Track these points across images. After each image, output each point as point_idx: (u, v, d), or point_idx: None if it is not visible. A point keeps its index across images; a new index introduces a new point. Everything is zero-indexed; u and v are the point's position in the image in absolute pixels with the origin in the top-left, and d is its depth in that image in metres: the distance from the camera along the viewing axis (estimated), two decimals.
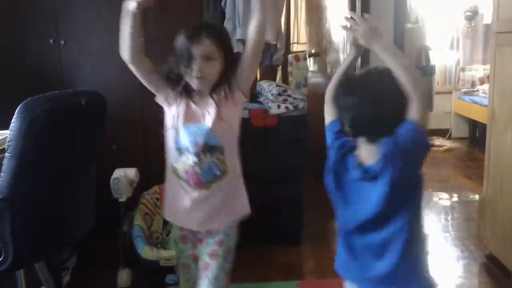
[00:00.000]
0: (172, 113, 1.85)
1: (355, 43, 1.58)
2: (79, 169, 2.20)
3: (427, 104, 1.42)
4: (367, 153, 1.46)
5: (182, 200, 1.89)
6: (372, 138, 1.44)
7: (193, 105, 1.84)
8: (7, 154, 1.82)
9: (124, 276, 2.82)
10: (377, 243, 1.47)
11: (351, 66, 1.65)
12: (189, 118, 1.82)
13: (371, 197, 1.44)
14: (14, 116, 1.77)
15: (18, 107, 1.75)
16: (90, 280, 2.92)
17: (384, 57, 1.42)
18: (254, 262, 3.09)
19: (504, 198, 2.79)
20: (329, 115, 1.67)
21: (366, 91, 1.43)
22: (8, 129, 1.84)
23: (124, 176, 2.80)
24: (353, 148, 1.52)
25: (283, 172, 3.31)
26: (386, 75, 1.41)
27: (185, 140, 1.82)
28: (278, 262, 3.13)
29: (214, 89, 1.80)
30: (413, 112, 1.35)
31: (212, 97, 1.80)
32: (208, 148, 1.82)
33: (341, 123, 1.57)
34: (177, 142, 1.84)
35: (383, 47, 1.45)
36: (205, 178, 1.83)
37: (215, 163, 1.84)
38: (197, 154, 1.81)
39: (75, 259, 3.00)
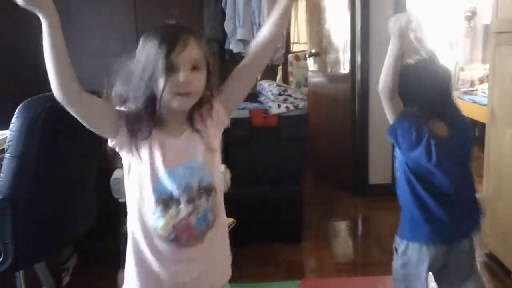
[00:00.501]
0: (141, 157, 1.35)
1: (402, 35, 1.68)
2: (80, 169, 2.20)
3: None
4: (438, 129, 1.76)
5: (162, 269, 1.40)
6: (443, 117, 1.77)
7: (169, 139, 1.38)
8: (7, 154, 1.82)
9: (124, 276, 2.82)
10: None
11: (401, 56, 1.74)
12: (172, 157, 1.37)
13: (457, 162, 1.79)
14: (14, 116, 1.78)
15: (18, 107, 1.75)
16: (90, 280, 2.91)
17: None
18: (255, 261, 3.10)
19: (504, 197, 2.80)
20: (393, 108, 1.76)
21: (433, 78, 1.78)
22: (8, 129, 1.84)
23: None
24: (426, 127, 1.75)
25: (283, 171, 3.32)
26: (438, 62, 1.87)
27: (171, 186, 1.36)
28: (279, 261, 3.14)
29: (192, 110, 1.40)
30: None
31: (192, 121, 1.40)
32: (203, 190, 1.40)
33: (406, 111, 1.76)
34: (157, 192, 1.36)
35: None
36: (200, 229, 1.41)
37: (210, 207, 1.42)
38: (191, 201, 1.38)
39: (75, 259, 3.00)
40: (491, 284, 2.82)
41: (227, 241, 1.55)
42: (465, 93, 6.47)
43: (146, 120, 1.33)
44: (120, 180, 2.76)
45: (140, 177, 1.36)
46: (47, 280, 2.36)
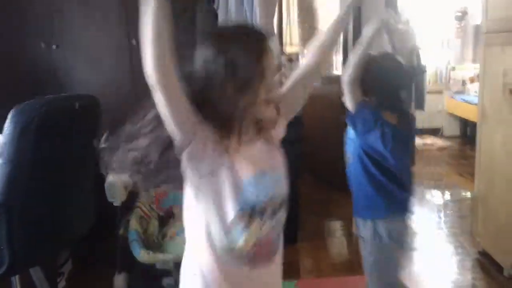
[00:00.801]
0: (221, 163, 1.20)
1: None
2: (76, 172, 2.20)
3: None
4: (390, 118, 1.92)
5: None
6: (394, 109, 1.95)
7: (247, 147, 1.25)
8: (0, 159, 1.81)
9: (120, 280, 2.81)
10: None
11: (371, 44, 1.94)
12: (256, 164, 1.26)
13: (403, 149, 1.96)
14: (8, 120, 1.76)
15: (12, 111, 1.74)
16: (85, 285, 2.91)
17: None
18: None
19: (496, 195, 2.82)
20: (353, 95, 1.95)
21: (393, 70, 1.95)
22: (0, 134, 1.83)
23: (119, 180, 2.80)
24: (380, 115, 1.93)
25: None
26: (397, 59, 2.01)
27: (256, 197, 1.23)
28: None
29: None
30: None
31: (262, 130, 1.30)
32: (283, 202, 1.34)
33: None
34: (241, 204, 1.21)
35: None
36: (276, 246, 1.34)
37: (283, 222, 1.35)
38: (274, 213, 1.29)
39: (70, 263, 2.99)
40: (484, 281, 2.84)
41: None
42: (457, 92, 6.52)
43: (241, 121, 1.20)
44: (115, 184, 2.77)
45: (216, 191, 1.20)
46: (42, 285, 2.35)
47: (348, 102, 1.96)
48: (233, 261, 1.24)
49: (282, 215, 1.31)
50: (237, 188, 1.20)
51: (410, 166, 2.07)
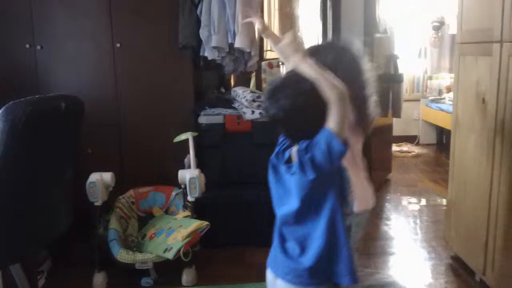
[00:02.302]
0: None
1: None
2: (57, 172, 2.22)
3: (345, 113, 1.42)
4: (294, 151, 1.53)
5: None
6: (294, 141, 1.53)
7: None
8: None
9: (99, 279, 2.84)
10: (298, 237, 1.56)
11: None
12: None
13: (291, 192, 1.52)
14: None
15: (0, 111, 1.77)
16: (65, 283, 2.92)
17: (304, 70, 1.45)
18: (228, 263, 3.15)
19: (467, 201, 2.90)
20: None
21: (287, 100, 1.45)
22: None
23: (100, 180, 2.83)
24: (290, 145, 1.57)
25: (257, 175, 3.36)
26: (304, 82, 1.44)
27: None
28: (252, 263, 3.18)
29: None
30: (333, 123, 1.38)
31: None
32: None
33: None
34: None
35: (300, 60, 1.48)
36: None
37: None
38: None
39: (50, 262, 3.01)
40: (456, 285, 2.92)
41: None
42: (433, 101, 6.65)
43: None
44: (96, 184, 2.80)
45: None
46: (23, 283, 2.37)
47: None
48: None
49: None
50: None
51: (291, 216, 1.56)
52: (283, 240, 1.63)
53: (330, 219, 1.49)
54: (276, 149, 1.61)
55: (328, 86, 1.38)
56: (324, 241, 1.49)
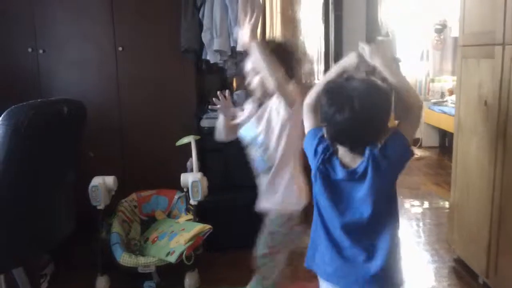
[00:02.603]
0: None
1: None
2: (59, 175, 2.23)
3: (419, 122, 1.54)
4: (349, 158, 1.53)
5: None
6: (353, 149, 1.52)
7: None
8: None
9: (102, 282, 2.84)
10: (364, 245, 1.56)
11: (342, 74, 1.62)
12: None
13: (356, 198, 1.53)
14: None
15: (2, 115, 1.77)
16: (67, 287, 2.92)
17: (386, 74, 1.49)
18: (231, 266, 3.14)
19: (470, 204, 2.89)
20: (310, 120, 1.67)
21: (353, 107, 1.42)
22: None
23: (103, 183, 2.83)
24: (335, 151, 1.57)
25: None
26: (374, 88, 1.47)
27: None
28: (254, 267, 3.18)
29: None
30: (408, 129, 1.49)
31: None
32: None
33: (322, 129, 1.59)
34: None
35: (384, 64, 1.52)
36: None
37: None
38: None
39: (53, 266, 3.01)
40: None
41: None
42: (436, 103, 6.63)
43: None
44: (98, 188, 2.80)
45: None
46: (25, 286, 2.38)
47: (306, 127, 1.69)
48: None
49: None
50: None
51: (360, 223, 1.56)
52: (339, 249, 1.58)
53: (395, 224, 1.57)
54: (319, 158, 1.57)
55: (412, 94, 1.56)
56: (390, 246, 1.54)
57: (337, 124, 1.46)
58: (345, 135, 1.50)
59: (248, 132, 2.24)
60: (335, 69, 1.64)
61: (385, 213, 1.54)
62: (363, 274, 1.53)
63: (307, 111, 1.67)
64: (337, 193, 1.56)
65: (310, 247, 1.69)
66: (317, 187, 1.59)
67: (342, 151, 1.55)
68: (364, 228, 1.54)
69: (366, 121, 1.45)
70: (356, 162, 1.51)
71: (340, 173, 1.53)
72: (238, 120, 2.30)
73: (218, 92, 2.22)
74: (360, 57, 1.58)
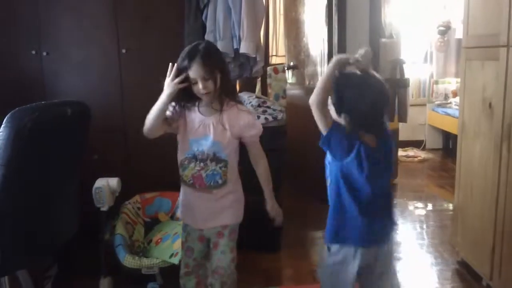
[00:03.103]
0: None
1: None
2: (64, 177, 2.23)
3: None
4: (368, 139, 1.84)
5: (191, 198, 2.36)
6: (369, 130, 1.84)
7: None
8: None
9: (105, 284, 2.84)
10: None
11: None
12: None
13: (382, 171, 1.90)
14: (2, 125, 1.79)
15: (6, 117, 1.77)
16: None
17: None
18: (236, 268, 3.13)
19: (474, 206, 2.89)
20: (324, 119, 1.85)
21: (368, 87, 1.82)
22: None
23: (107, 185, 2.83)
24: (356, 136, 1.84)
25: None
26: (379, 79, 1.86)
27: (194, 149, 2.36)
28: (258, 269, 3.19)
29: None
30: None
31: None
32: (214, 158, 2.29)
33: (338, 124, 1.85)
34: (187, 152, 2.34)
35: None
36: (210, 182, 2.28)
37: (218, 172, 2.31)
38: (204, 161, 2.30)
39: (56, 267, 3.01)
40: None
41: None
42: (439, 105, 6.63)
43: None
44: (102, 190, 2.81)
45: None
46: None
47: (320, 125, 1.87)
48: (185, 183, 2.25)
49: (213, 166, 2.22)
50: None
51: (388, 188, 2.02)
52: (372, 216, 1.91)
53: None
54: (347, 145, 1.85)
55: None
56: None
57: (355, 103, 1.80)
58: (371, 117, 1.82)
59: None
60: (330, 68, 1.85)
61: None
62: (387, 232, 1.99)
63: (320, 108, 1.84)
64: (372, 165, 1.85)
65: (333, 225, 2.00)
66: (354, 166, 1.86)
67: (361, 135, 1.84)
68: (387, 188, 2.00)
69: (384, 106, 1.87)
70: (374, 143, 1.85)
71: (370, 152, 1.84)
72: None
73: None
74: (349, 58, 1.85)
